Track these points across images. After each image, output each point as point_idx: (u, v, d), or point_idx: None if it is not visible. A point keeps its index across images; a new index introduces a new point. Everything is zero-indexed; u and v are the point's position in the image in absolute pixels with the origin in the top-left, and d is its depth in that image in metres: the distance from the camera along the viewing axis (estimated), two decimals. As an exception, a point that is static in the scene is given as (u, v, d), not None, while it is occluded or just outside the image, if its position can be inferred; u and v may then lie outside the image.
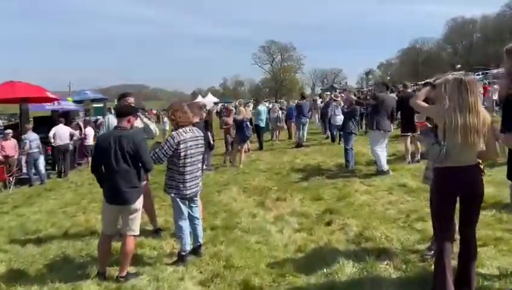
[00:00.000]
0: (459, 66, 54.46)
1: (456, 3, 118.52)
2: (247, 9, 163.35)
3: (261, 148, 14.90)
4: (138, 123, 5.63)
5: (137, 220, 4.41)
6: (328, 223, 5.59)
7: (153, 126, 5.77)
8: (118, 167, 4.20)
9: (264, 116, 15.68)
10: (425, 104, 3.69)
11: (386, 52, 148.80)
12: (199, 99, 63.30)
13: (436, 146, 3.64)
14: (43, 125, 13.83)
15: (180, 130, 4.55)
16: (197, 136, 4.64)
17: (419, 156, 9.65)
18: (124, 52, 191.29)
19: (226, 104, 27.59)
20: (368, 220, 5.58)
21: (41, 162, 11.81)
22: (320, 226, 5.56)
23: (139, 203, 4.38)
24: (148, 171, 4.60)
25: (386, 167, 8.37)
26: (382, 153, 8.45)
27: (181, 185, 4.54)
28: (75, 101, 18.47)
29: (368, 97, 19.77)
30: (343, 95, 15.70)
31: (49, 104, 15.02)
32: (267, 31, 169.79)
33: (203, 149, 4.73)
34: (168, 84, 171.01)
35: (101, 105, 19.34)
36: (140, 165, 4.43)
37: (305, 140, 15.39)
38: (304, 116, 15.24)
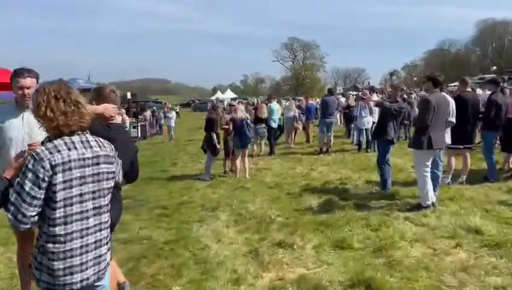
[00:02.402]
0: (494, 68, 50.79)
1: (486, 6, 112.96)
2: (270, 7, 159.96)
3: (271, 153, 12.48)
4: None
5: None
6: (364, 315, 3.14)
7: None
8: None
9: (277, 116, 13.26)
10: None
11: (411, 53, 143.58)
12: (218, 95, 61.70)
13: None
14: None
15: (59, 141, 2.15)
16: (99, 157, 2.21)
17: (464, 177, 7.12)
18: (147, 47, 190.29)
19: (244, 100, 25.30)
20: (436, 311, 3.11)
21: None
22: (349, 318, 3.12)
23: None
24: None
25: (428, 200, 5.74)
26: (428, 178, 5.82)
27: (57, 266, 2.09)
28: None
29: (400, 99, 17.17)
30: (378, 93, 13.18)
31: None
32: (289, 30, 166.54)
33: (111, 184, 2.30)
34: (189, 79, 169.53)
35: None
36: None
37: (331, 145, 12.90)
38: (329, 116, 12.73)
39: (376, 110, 12.50)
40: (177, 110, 45.47)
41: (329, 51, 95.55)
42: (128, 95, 24.96)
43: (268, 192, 7.44)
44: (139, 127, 23.09)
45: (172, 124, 21.83)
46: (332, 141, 13.43)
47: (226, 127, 9.17)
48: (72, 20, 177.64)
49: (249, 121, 8.88)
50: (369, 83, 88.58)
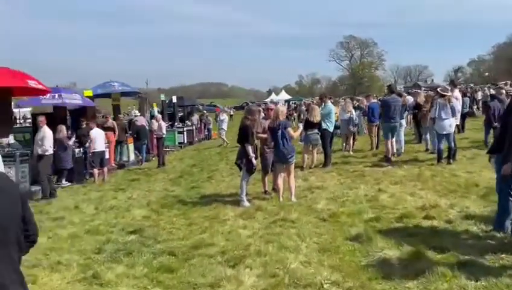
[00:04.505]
0: None
1: None
2: (325, 7, 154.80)
3: (326, 164, 10.23)
4: None
5: None
6: None
7: None
8: None
9: (333, 118, 11.01)
10: None
11: (478, 48, 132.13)
12: (272, 96, 60.05)
13: None
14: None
15: None
16: None
17: None
18: (204, 52, 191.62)
19: (291, 103, 23.18)
20: None
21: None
22: None
23: None
24: None
25: None
26: None
27: None
28: (97, 95, 15.07)
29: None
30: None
31: (45, 97, 11.64)
32: (345, 29, 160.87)
33: None
34: (245, 82, 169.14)
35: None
36: None
37: (403, 151, 10.78)
38: (391, 119, 10.32)
39: (460, 109, 9.94)
40: (232, 114, 44.21)
41: (388, 48, 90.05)
42: (174, 99, 23.67)
43: (321, 229, 5.26)
44: (185, 133, 21.71)
45: (224, 127, 20.10)
46: (402, 149, 11.00)
47: (263, 136, 7.12)
48: (132, 27, 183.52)
49: (288, 130, 6.70)
50: (432, 80, 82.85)
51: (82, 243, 5.42)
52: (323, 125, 10.35)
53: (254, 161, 6.82)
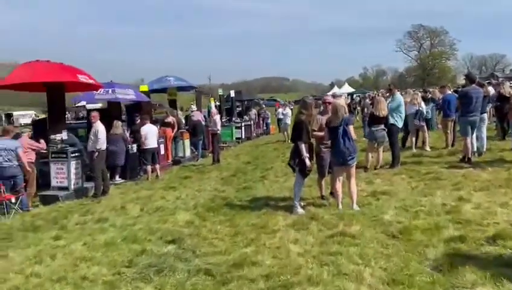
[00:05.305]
0: None
1: None
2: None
3: (394, 164, 9.07)
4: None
5: None
6: None
7: None
8: None
9: (403, 111, 9.78)
10: None
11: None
12: (335, 90, 58.15)
13: None
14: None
15: None
16: None
17: None
18: (267, 47, 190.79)
19: (355, 96, 21.66)
20: None
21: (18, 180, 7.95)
22: None
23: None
24: None
25: None
26: None
27: None
28: (153, 90, 14.87)
29: None
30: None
31: (99, 92, 11.51)
32: (413, 19, 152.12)
33: None
34: (307, 76, 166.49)
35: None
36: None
37: (484, 150, 9.51)
38: (470, 113, 8.89)
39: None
40: (291, 108, 43.33)
41: (460, 37, 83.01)
42: (232, 94, 23.25)
43: (389, 249, 4.28)
44: (243, 128, 21.21)
45: (288, 121, 19.29)
46: (484, 147, 9.54)
47: (319, 134, 6.20)
48: (199, 28, 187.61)
49: (349, 128, 5.72)
50: (510, 70, 76.11)
51: (115, 253, 4.90)
52: (391, 120, 9.21)
53: (308, 162, 5.94)
